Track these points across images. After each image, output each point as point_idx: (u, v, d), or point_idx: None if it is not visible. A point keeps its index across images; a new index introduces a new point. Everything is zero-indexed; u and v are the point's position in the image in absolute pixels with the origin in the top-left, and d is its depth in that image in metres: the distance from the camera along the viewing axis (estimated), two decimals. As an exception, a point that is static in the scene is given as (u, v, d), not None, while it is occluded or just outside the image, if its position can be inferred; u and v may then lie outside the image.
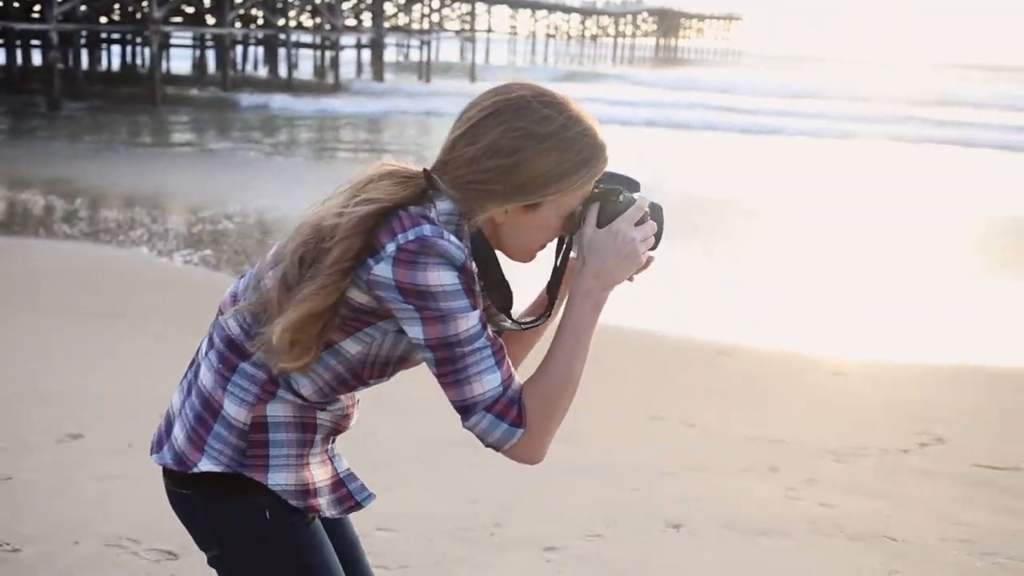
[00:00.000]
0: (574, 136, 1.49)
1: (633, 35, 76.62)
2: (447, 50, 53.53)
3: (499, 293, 1.55)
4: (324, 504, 1.63)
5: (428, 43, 37.72)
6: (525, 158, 1.47)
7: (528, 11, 60.78)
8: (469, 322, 1.46)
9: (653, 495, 3.92)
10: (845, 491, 4.04)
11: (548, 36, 64.57)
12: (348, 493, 1.67)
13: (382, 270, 1.45)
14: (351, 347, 1.53)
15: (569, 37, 68.16)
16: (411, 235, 1.45)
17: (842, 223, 11.95)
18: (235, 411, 1.55)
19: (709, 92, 33.02)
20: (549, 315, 1.66)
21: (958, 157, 20.78)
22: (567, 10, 65.55)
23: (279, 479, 1.57)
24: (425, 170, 1.54)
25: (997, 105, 32.08)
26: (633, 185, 1.58)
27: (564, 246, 1.61)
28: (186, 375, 1.68)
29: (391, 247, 1.45)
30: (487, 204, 1.50)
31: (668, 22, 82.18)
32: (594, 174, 1.52)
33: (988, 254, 10.44)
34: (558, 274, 1.63)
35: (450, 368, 1.47)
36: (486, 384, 1.47)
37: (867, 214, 12.62)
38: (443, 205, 1.50)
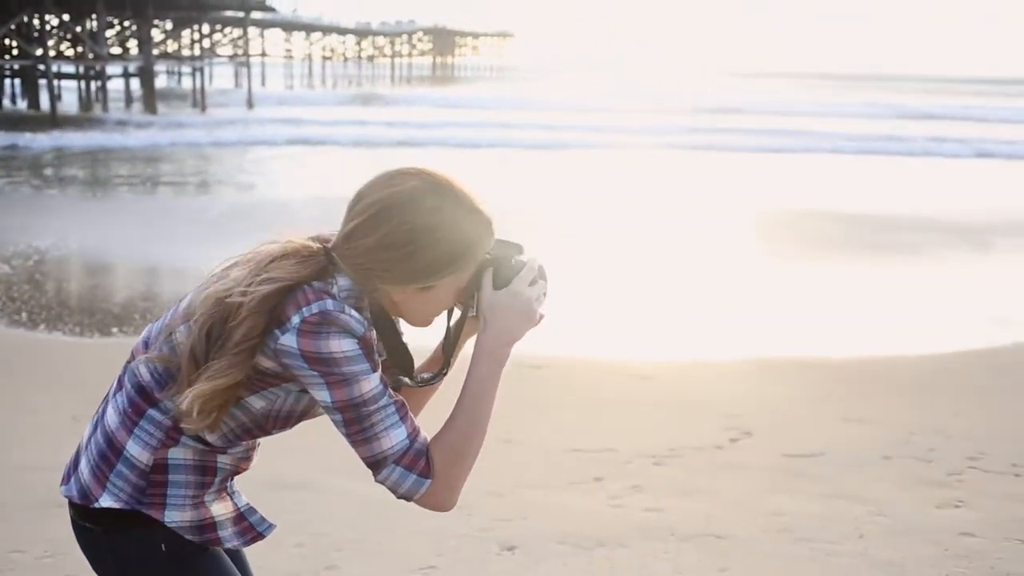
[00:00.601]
0: (462, 221, 1.60)
1: (410, 55, 77.06)
2: (222, 76, 52.04)
3: (400, 359, 1.68)
4: (226, 536, 1.73)
5: (201, 70, 36.47)
6: (417, 249, 1.58)
7: (302, 34, 60.01)
8: (371, 383, 1.56)
9: (483, 518, 3.88)
10: (669, 494, 4.13)
11: (325, 58, 63.94)
12: (250, 525, 1.77)
13: (288, 340, 1.55)
14: (256, 403, 1.63)
15: (346, 59, 67.78)
16: (314, 308, 1.55)
17: (624, 230, 12.30)
18: (138, 452, 1.65)
19: (493, 110, 33.28)
20: (445, 372, 1.77)
21: (728, 160, 21.93)
22: (342, 32, 65.20)
23: (175, 516, 1.67)
24: (326, 248, 1.64)
25: (767, 111, 33.94)
26: (518, 248, 1.69)
27: (461, 311, 1.73)
28: (97, 411, 1.76)
29: (295, 319, 1.55)
30: (384, 287, 1.62)
31: (443, 41, 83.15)
32: (483, 251, 1.65)
33: (770, 250, 11.03)
34: (451, 334, 1.74)
35: (358, 427, 1.57)
36: (393, 439, 1.58)
37: (648, 220, 13.09)
38: (344, 281, 1.61)
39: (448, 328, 1.76)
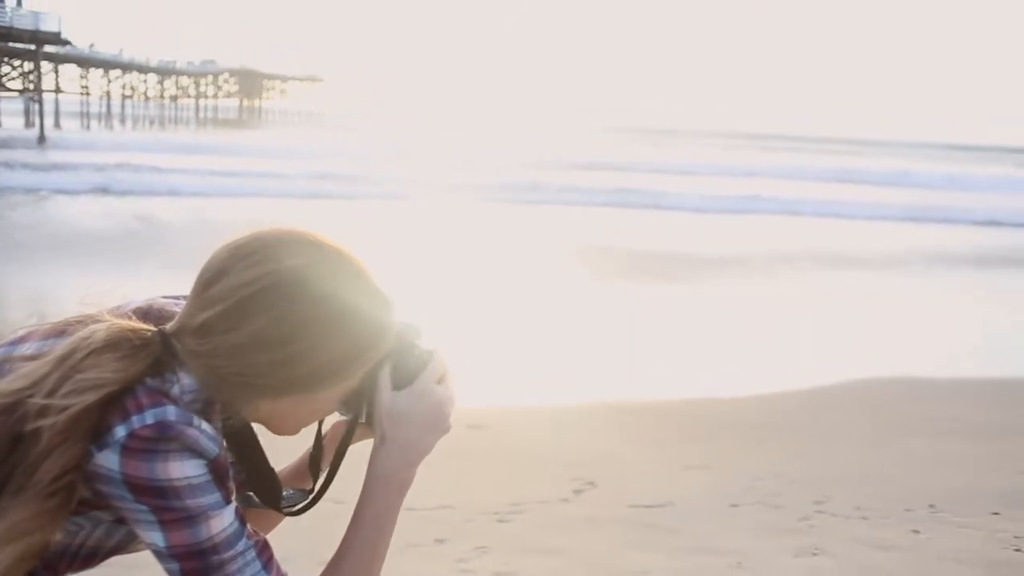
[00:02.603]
0: (359, 313, 1.20)
1: (215, 96, 75.01)
2: (9, 111, 48.80)
3: (263, 484, 1.29)
4: None
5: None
6: (302, 351, 1.18)
7: (100, 70, 57.37)
8: (224, 520, 1.17)
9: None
10: (519, 553, 3.81)
11: (125, 97, 61.29)
12: None
13: (106, 460, 1.13)
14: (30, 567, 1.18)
15: (147, 98, 65.22)
16: (149, 418, 1.13)
17: (433, 276, 11.97)
18: None
19: (304, 159, 30.84)
20: (318, 497, 1.36)
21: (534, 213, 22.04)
22: (143, 70, 62.75)
23: None
24: (161, 332, 1.20)
25: (609, 166, 32.87)
26: (414, 330, 1.29)
27: (345, 415, 1.34)
28: None
29: (120, 431, 1.12)
30: (254, 399, 1.21)
31: (250, 83, 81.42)
32: (382, 351, 1.25)
33: (584, 290, 10.99)
34: (320, 443, 1.38)
35: None
36: None
37: (454, 267, 12.82)
38: (188, 380, 1.18)
39: (318, 434, 1.37)
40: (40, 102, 38.33)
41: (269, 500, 1.31)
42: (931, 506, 4.59)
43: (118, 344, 1.17)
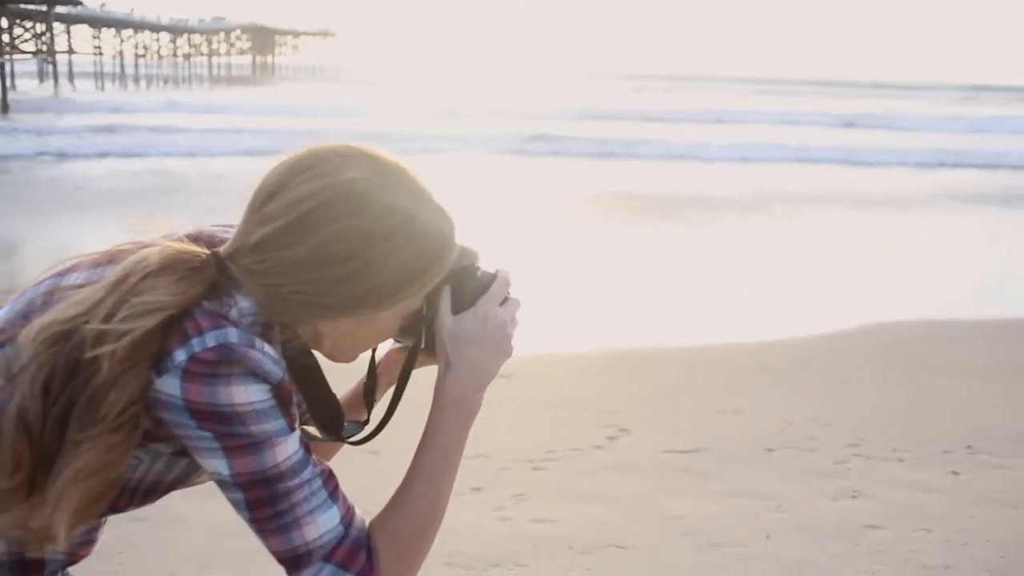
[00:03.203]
0: (423, 226, 1.16)
1: (228, 53, 74.60)
2: (24, 73, 48.72)
3: (325, 412, 1.23)
4: None
5: (1, 67, 33.98)
6: (365, 266, 1.13)
7: (112, 30, 57.11)
8: (289, 448, 1.12)
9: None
10: (556, 501, 3.80)
11: (138, 56, 61.05)
12: None
13: (167, 385, 1.08)
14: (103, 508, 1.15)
15: (160, 57, 64.95)
16: (210, 340, 1.09)
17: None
18: None
19: (324, 116, 30.00)
20: (381, 427, 1.32)
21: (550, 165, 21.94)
22: (155, 28, 62.43)
23: None
24: (216, 254, 1.16)
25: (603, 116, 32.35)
26: (473, 255, 1.26)
27: (404, 343, 1.32)
28: None
29: (180, 355, 1.08)
30: (314, 319, 1.17)
31: (262, 39, 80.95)
32: (448, 266, 1.21)
33: (603, 237, 10.92)
34: (374, 372, 1.35)
35: (271, 511, 1.13)
36: (321, 526, 1.14)
37: (471, 218, 12.80)
38: (246, 303, 1.14)
39: (372, 363, 1.35)
40: (54, 63, 38.20)
41: (331, 428, 1.26)
42: (968, 447, 4.55)
43: (173, 266, 1.13)
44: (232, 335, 1.09)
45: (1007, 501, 3.87)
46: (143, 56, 62.18)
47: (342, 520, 1.16)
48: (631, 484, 4.01)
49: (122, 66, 57.35)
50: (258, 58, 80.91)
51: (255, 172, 1.21)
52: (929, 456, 4.43)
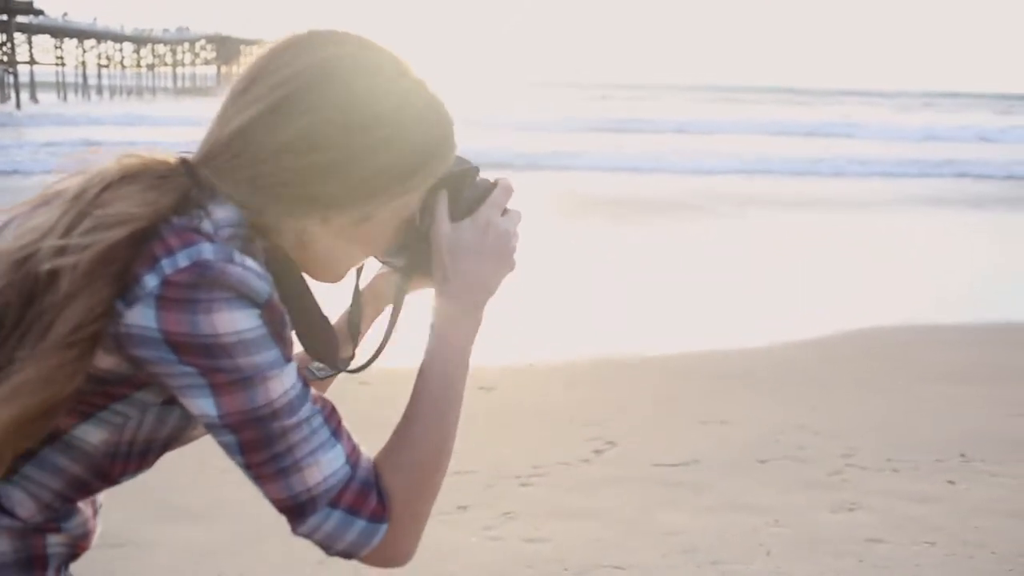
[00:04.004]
0: (419, 115, 1.05)
1: (193, 63, 74.10)
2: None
3: (319, 337, 1.09)
4: None
5: (-41, 77, 33.41)
6: (363, 149, 1.02)
7: (74, 40, 56.51)
8: (285, 382, 0.98)
9: (340, 569, 3.29)
10: (547, 518, 3.66)
11: (101, 67, 60.42)
12: None
13: (139, 317, 0.94)
14: (91, 435, 1.02)
15: (124, 67, 64.33)
16: (182, 260, 0.94)
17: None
18: None
19: None
20: (378, 349, 1.20)
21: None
22: (118, 38, 61.85)
23: None
24: (184, 160, 1.03)
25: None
26: (473, 168, 1.15)
27: (393, 260, 1.19)
28: None
29: (151, 281, 0.94)
30: (303, 215, 1.04)
31: (227, 49, 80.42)
32: (448, 160, 1.09)
33: (575, 240, 10.82)
34: (359, 301, 1.24)
35: (267, 453, 0.98)
36: (324, 468, 1.00)
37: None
38: (222, 213, 1.00)
39: (356, 291, 1.23)
40: (15, 74, 37.68)
41: (323, 352, 1.12)
42: (962, 455, 4.47)
43: (138, 175, 1.00)
44: (207, 251, 0.95)
45: (1006, 511, 3.79)
46: (106, 67, 61.56)
47: (347, 460, 1.02)
48: (623, 499, 3.88)
49: (84, 77, 56.71)
50: (223, 68, 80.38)
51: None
52: (923, 465, 4.34)
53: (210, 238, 0.97)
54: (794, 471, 4.26)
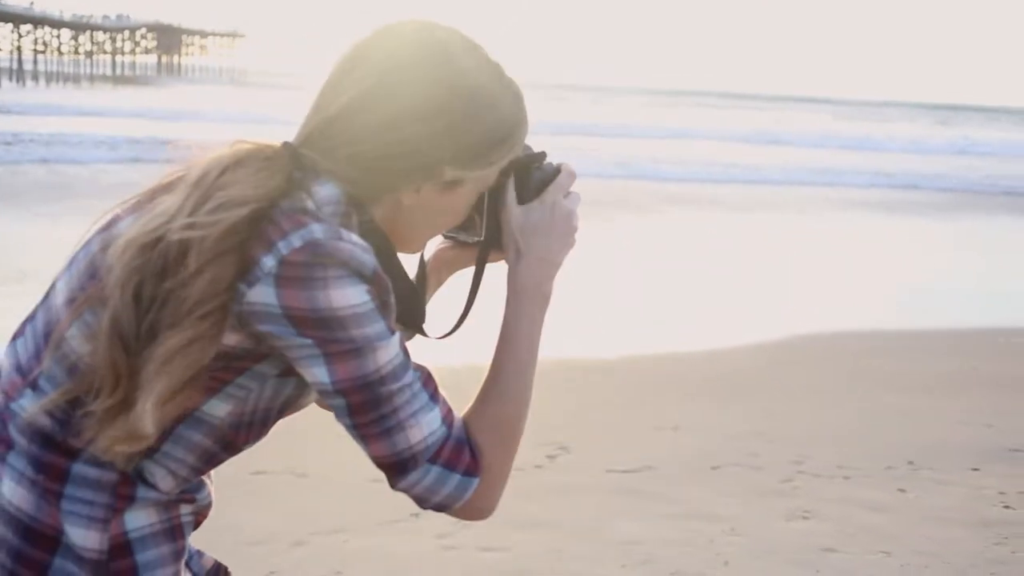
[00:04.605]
0: (506, 87, 1.18)
1: (133, 52, 72.78)
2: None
3: (410, 304, 1.18)
4: None
5: None
6: (460, 118, 1.14)
7: (10, 25, 55.15)
8: (390, 351, 1.10)
9: (292, 573, 3.21)
10: (502, 526, 3.60)
11: (37, 53, 59.03)
12: None
13: (261, 295, 1.06)
14: (218, 409, 1.13)
15: (61, 54, 62.93)
16: (296, 241, 1.06)
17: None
18: (83, 537, 1.11)
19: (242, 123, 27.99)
20: (464, 313, 1.29)
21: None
22: (56, 24, 60.52)
23: None
24: (287, 144, 1.14)
25: None
26: (540, 153, 1.26)
27: (464, 238, 1.32)
28: None
29: (269, 262, 1.06)
30: (400, 185, 1.15)
31: (169, 39, 79.11)
32: (525, 136, 1.22)
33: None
34: (424, 270, 1.33)
35: (374, 415, 1.10)
36: (425, 428, 1.12)
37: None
38: (324, 191, 1.11)
39: (422, 261, 1.33)
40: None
41: (413, 318, 1.21)
42: (910, 463, 4.51)
43: (249, 159, 1.12)
44: (317, 231, 1.06)
45: (957, 520, 3.82)
46: (43, 52, 60.17)
47: (443, 421, 1.14)
48: (579, 507, 3.85)
49: (20, 62, 55.36)
50: (164, 58, 79.07)
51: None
52: (873, 473, 4.38)
53: (318, 218, 1.08)
54: (747, 478, 4.26)
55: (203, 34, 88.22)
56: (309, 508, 3.83)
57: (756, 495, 4.04)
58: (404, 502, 3.58)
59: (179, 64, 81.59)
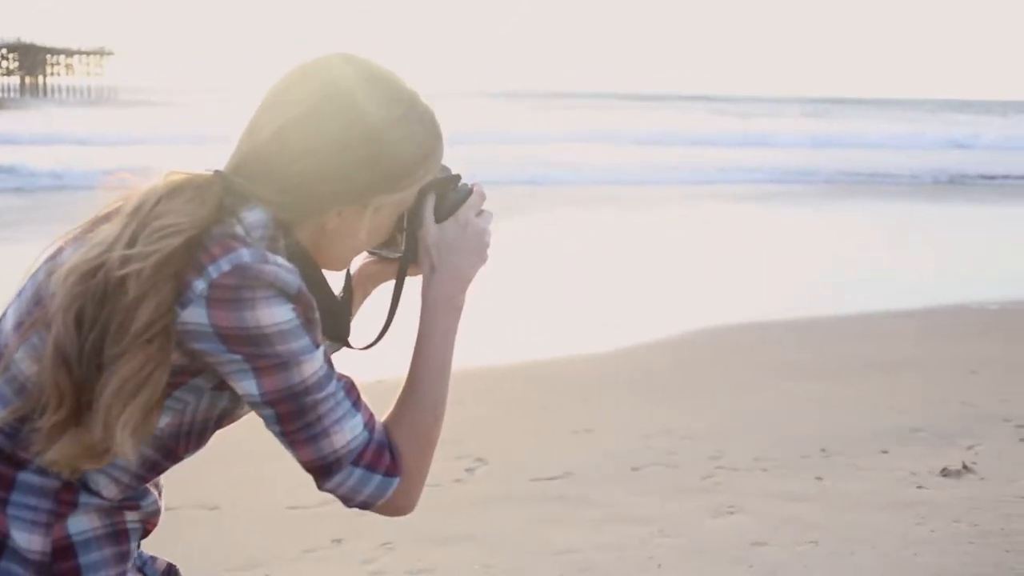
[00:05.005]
0: (425, 113, 1.29)
1: (-7, 74, 69.90)
2: None
3: (335, 318, 1.30)
4: None
5: None
6: (379, 147, 1.24)
7: None
8: (315, 364, 1.20)
9: None
10: (428, 545, 3.51)
11: None
12: None
13: (194, 315, 1.16)
14: (159, 421, 1.22)
15: (-85, 79, 59.94)
16: (225, 265, 1.16)
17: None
18: (27, 540, 1.21)
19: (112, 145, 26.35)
20: (386, 325, 1.39)
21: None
22: (-92, 48, 57.65)
23: None
24: (218, 172, 1.23)
25: None
26: (455, 175, 1.36)
27: (384, 252, 1.43)
28: None
29: (200, 284, 1.16)
30: (324, 209, 1.25)
31: (31, 59, 76.24)
32: (440, 159, 1.33)
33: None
34: (350, 285, 1.43)
35: (300, 423, 1.21)
36: (348, 433, 1.23)
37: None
38: (252, 217, 1.20)
39: (348, 276, 1.42)
40: None
41: (338, 332, 1.31)
42: (823, 450, 4.57)
43: (182, 188, 1.19)
44: (245, 255, 1.15)
45: (875, 504, 3.87)
46: None
47: (366, 426, 1.24)
48: (505, 518, 3.77)
49: None
50: (27, 79, 76.14)
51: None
52: (790, 463, 4.42)
53: (246, 243, 1.16)
54: (668, 477, 4.25)
55: (68, 53, 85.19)
56: (223, 542, 3.66)
57: (679, 493, 4.02)
58: (324, 529, 3.43)
59: (44, 85, 78.67)
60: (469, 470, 4.41)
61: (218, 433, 1.33)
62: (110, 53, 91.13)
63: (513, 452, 4.66)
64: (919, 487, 4.06)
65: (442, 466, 4.50)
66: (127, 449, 1.15)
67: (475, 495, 4.07)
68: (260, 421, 1.26)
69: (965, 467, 4.22)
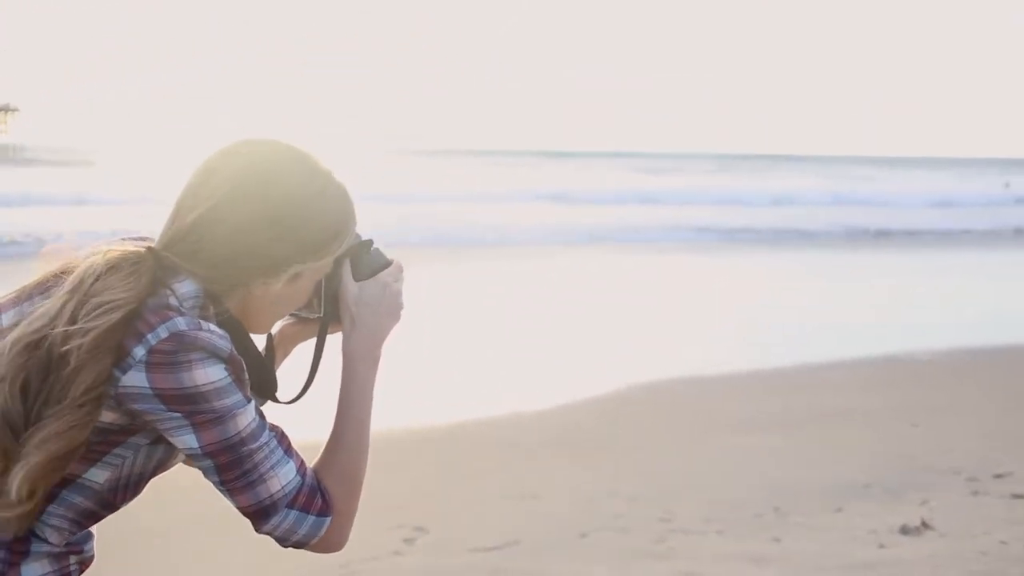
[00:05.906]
0: (337, 190, 1.41)
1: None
2: None
3: (261, 376, 1.41)
4: None
5: None
6: (298, 223, 1.35)
7: None
8: (248, 416, 1.30)
9: None
10: (368, 629, 3.22)
11: None
12: None
13: (134, 380, 1.27)
14: (98, 476, 1.33)
15: None
16: (162, 332, 1.27)
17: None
18: None
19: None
20: (307, 382, 1.50)
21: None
22: None
23: None
24: (151, 248, 1.34)
25: None
26: (368, 240, 1.49)
27: (305, 314, 1.55)
28: None
29: (140, 351, 1.27)
30: (250, 280, 1.36)
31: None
32: (354, 229, 1.44)
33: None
34: (271, 345, 1.53)
35: (238, 471, 1.31)
36: (282, 478, 1.33)
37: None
38: (184, 288, 1.32)
39: (269, 337, 1.52)
40: None
41: (265, 389, 1.42)
42: (776, 509, 4.41)
43: (119, 265, 1.30)
44: (180, 323, 1.26)
45: (839, 565, 3.72)
46: None
47: (298, 471, 1.34)
48: (449, 595, 3.50)
49: None
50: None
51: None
52: (744, 523, 4.24)
53: (180, 312, 1.28)
54: (618, 543, 4.04)
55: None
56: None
57: (632, 560, 3.81)
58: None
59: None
60: (408, 540, 4.13)
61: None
62: (15, 110, 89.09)
63: (454, 520, 4.41)
64: (880, 546, 3.91)
65: (381, 536, 4.23)
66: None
67: (415, 567, 3.82)
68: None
69: (924, 524, 4.08)
